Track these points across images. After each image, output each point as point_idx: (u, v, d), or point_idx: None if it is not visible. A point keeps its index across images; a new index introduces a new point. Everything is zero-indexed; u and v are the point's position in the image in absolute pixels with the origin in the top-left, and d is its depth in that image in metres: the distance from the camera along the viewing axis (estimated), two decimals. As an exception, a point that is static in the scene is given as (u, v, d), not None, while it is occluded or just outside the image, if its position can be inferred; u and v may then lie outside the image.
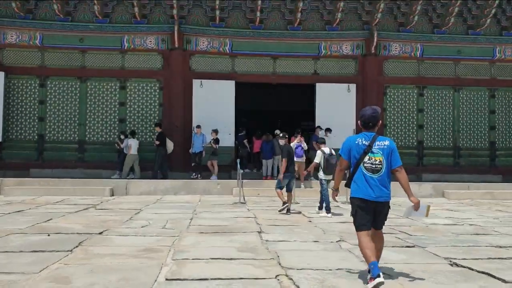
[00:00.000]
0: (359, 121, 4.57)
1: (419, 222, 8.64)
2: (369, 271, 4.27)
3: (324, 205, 9.65)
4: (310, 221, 8.68)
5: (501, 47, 16.95)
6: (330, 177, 9.65)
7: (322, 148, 9.86)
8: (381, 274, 4.12)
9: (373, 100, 16.53)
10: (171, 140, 15.47)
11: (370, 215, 4.34)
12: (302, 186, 13.93)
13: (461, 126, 17.17)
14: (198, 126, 15.30)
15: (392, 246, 6.22)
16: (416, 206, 4.44)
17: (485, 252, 5.97)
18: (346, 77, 16.74)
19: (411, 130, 17.01)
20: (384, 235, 4.73)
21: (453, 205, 12.29)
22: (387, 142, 4.41)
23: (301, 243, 6.42)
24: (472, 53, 16.89)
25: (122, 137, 15.58)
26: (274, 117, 20.67)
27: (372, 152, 4.34)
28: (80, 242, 6.19)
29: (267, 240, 6.53)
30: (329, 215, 9.36)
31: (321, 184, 9.76)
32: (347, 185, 4.49)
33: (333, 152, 9.79)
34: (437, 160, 16.99)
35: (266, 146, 15.57)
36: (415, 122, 17.01)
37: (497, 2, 15.76)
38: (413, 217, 4.77)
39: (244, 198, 12.11)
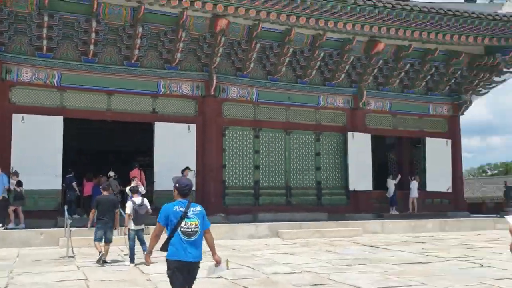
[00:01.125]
0: (177, 190, 4.89)
1: (261, 273, 8.65)
2: None
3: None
4: (149, 280, 7.99)
5: (324, 96, 18.70)
6: (140, 226, 9.81)
7: (133, 199, 9.89)
8: None
9: (212, 141, 16.71)
10: None
11: (185, 275, 4.72)
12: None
13: (292, 167, 18.27)
14: None
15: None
16: (219, 263, 4.93)
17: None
18: (186, 117, 16.56)
19: (248, 171, 17.48)
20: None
21: (287, 246, 12.76)
22: (199, 208, 4.86)
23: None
24: (300, 100, 18.26)
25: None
26: (109, 156, 19.36)
27: (188, 218, 4.72)
28: None
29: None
30: (132, 264, 9.43)
31: (129, 234, 9.73)
32: (163, 248, 4.74)
33: (145, 201, 10.02)
34: (271, 200, 17.71)
35: (98, 189, 14.25)
36: (252, 163, 17.54)
37: (321, 55, 17.45)
38: (215, 273, 5.16)
39: (73, 251, 10.80)
